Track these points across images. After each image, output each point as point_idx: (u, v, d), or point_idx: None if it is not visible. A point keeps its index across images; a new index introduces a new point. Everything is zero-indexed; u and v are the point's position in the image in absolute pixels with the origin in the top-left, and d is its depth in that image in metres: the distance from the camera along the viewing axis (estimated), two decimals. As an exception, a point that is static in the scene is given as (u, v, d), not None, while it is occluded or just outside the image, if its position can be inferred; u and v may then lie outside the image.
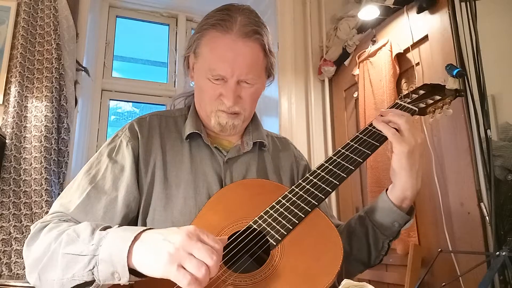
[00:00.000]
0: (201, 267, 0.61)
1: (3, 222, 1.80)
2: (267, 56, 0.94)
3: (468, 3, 1.38)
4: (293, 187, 0.83)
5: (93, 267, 0.67)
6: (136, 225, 0.88)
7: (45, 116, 1.96)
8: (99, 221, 0.81)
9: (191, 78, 1.00)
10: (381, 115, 0.90)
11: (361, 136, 0.89)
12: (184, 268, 0.61)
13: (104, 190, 0.85)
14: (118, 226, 0.72)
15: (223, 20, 0.89)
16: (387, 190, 0.90)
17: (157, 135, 0.95)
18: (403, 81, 1.84)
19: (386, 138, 0.87)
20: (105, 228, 0.71)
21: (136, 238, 0.66)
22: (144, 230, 0.68)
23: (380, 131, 0.87)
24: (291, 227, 0.75)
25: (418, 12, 1.71)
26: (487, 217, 1.33)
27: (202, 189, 0.90)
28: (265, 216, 0.78)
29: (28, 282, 0.77)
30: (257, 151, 1.01)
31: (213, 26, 0.90)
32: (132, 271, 0.65)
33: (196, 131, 0.95)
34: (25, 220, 1.83)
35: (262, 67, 0.93)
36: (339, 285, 0.71)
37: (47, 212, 1.82)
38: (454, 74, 0.97)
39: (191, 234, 0.64)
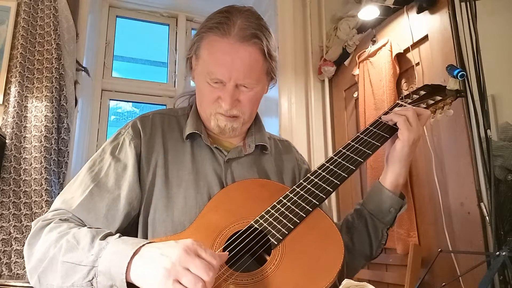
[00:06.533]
0: (198, 283, 0.60)
1: (3, 222, 1.80)
2: (268, 60, 0.91)
3: (468, 3, 1.38)
4: (294, 186, 0.84)
5: (92, 278, 0.67)
6: (137, 224, 0.88)
7: (45, 116, 1.95)
8: (102, 219, 0.82)
9: (192, 79, 1.00)
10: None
11: (362, 136, 0.90)
12: (181, 283, 0.61)
13: (107, 188, 0.85)
14: (119, 236, 0.73)
15: (221, 24, 0.87)
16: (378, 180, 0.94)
17: (159, 133, 0.95)
18: (403, 81, 1.85)
19: (387, 138, 0.89)
20: (105, 237, 0.72)
21: (135, 253, 0.66)
22: (144, 245, 0.68)
23: (387, 122, 0.91)
24: (292, 227, 0.75)
25: (418, 12, 1.71)
26: (487, 217, 1.34)
27: (203, 188, 0.90)
28: (267, 216, 0.78)
29: (28, 282, 0.77)
30: (259, 153, 1.01)
31: (211, 30, 0.89)
32: (131, 285, 0.66)
33: (196, 132, 0.95)
34: (25, 220, 1.83)
35: (261, 71, 0.91)
36: (340, 284, 0.71)
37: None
38: (455, 74, 0.98)
39: (188, 248, 0.64)
